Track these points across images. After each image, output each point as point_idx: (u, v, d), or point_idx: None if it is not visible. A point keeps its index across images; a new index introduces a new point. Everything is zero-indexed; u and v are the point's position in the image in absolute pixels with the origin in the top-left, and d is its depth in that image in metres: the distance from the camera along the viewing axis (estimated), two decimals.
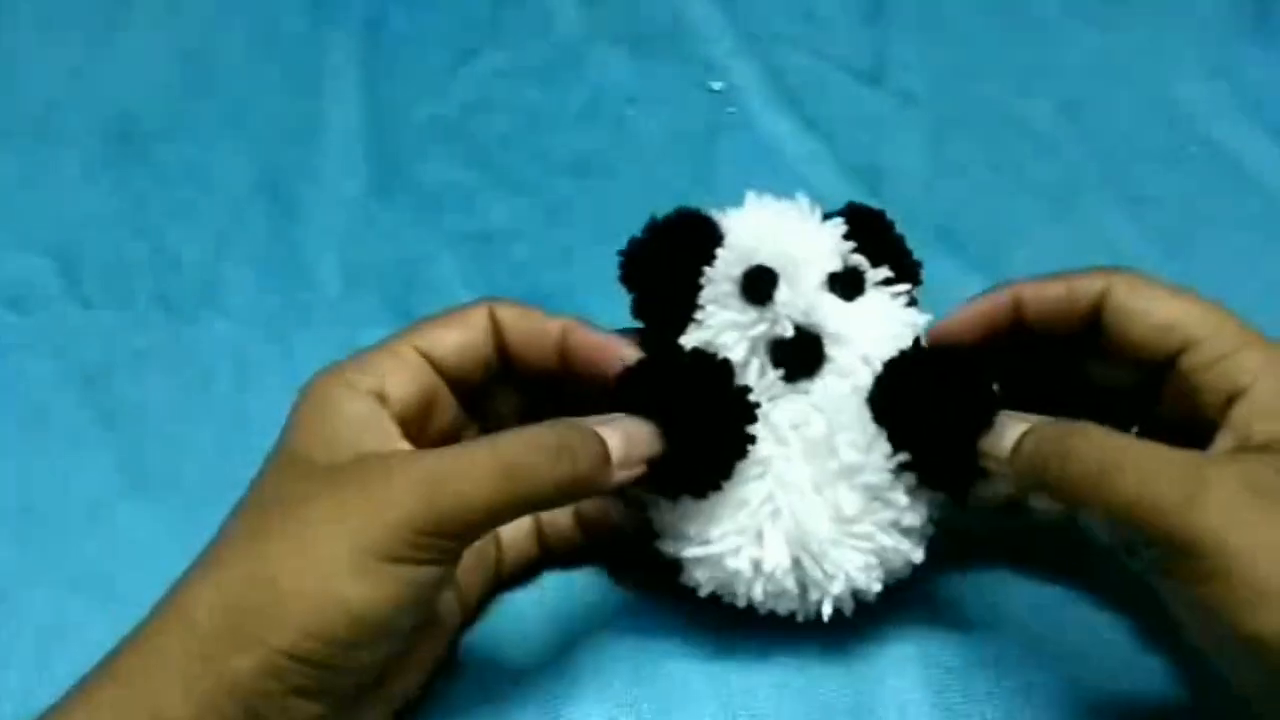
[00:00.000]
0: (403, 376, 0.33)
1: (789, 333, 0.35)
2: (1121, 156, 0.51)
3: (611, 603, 0.39)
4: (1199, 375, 0.32)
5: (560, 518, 0.38)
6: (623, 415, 0.33)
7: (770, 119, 0.53)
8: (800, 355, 0.35)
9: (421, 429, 0.34)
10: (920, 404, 0.34)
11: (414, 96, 0.54)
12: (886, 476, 0.34)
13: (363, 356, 0.34)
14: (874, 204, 0.49)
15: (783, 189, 0.50)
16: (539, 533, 0.38)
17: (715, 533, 0.34)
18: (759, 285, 0.35)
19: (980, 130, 0.52)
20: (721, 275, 0.36)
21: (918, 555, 0.35)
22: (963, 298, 0.46)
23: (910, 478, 0.34)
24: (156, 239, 0.49)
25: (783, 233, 0.36)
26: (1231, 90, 0.53)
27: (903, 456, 0.34)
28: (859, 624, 0.37)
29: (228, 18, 0.57)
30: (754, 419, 0.35)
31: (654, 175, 0.51)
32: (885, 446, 0.34)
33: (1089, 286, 0.34)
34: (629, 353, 0.35)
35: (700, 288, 0.36)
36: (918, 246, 0.46)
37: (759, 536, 0.34)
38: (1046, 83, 0.54)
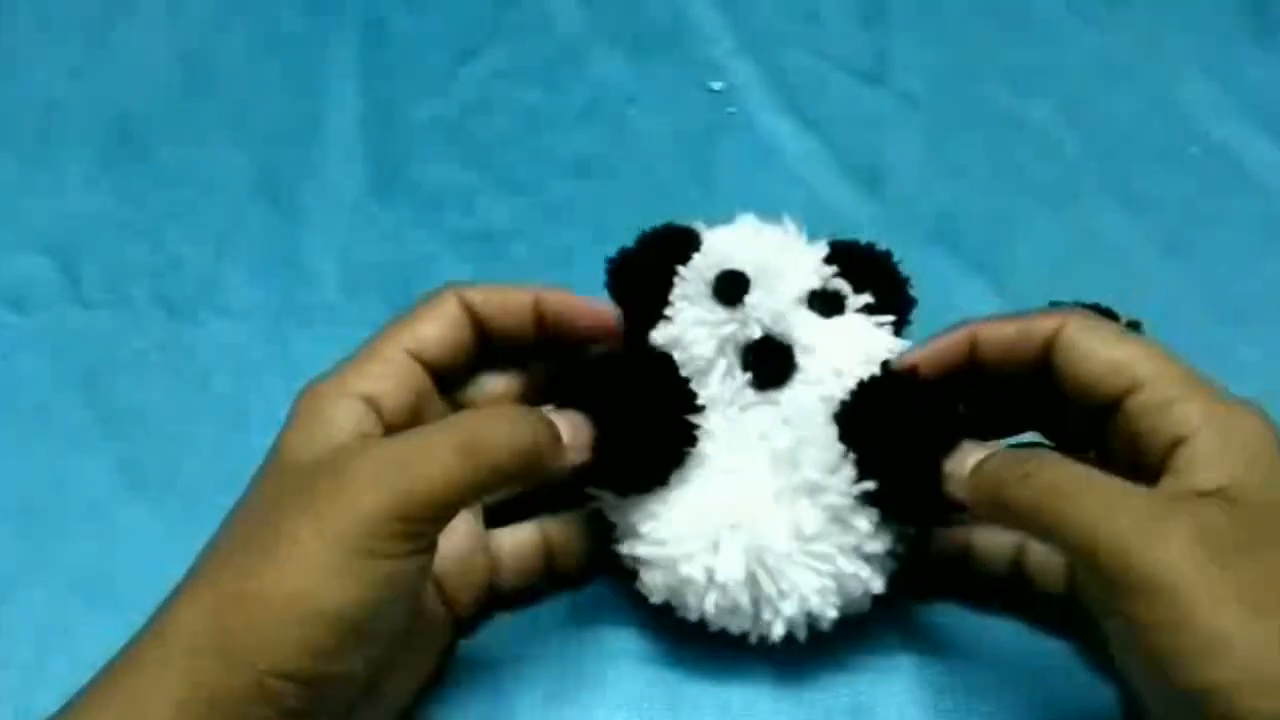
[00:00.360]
0: (394, 381, 0.34)
1: (756, 334, 0.35)
2: (1121, 156, 0.51)
3: (611, 607, 0.39)
4: (1142, 420, 0.31)
5: (569, 539, 0.38)
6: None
7: (770, 119, 0.53)
8: (770, 362, 0.36)
9: None
10: (887, 428, 0.34)
11: (414, 96, 0.54)
12: (850, 500, 0.34)
13: (353, 364, 0.34)
14: (874, 204, 0.50)
15: (783, 189, 0.50)
16: (546, 552, 0.38)
17: (670, 535, 0.34)
18: (730, 287, 0.35)
19: (980, 130, 0.52)
20: (694, 275, 0.36)
21: (877, 584, 0.35)
22: (962, 298, 0.46)
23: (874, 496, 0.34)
24: (156, 239, 0.49)
25: (762, 244, 0.37)
26: (1231, 90, 0.53)
27: (868, 485, 0.34)
28: (858, 627, 0.37)
29: (228, 18, 0.57)
30: (691, 410, 0.35)
31: (654, 175, 0.51)
32: (851, 469, 0.34)
33: (1041, 326, 0.34)
34: (602, 308, 0.36)
35: (673, 288, 0.36)
36: (917, 246, 0.46)
37: (715, 545, 0.34)
38: (1046, 83, 0.54)
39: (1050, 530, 0.30)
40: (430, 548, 0.31)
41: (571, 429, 0.33)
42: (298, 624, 0.29)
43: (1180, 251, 0.48)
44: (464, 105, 0.54)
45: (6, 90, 0.54)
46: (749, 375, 0.36)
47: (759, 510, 0.34)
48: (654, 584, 0.35)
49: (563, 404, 0.34)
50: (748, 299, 0.35)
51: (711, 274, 0.36)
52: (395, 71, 0.55)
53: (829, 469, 0.34)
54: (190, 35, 0.56)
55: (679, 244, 0.37)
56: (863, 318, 0.37)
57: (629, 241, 0.39)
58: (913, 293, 0.43)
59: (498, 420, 0.32)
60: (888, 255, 0.42)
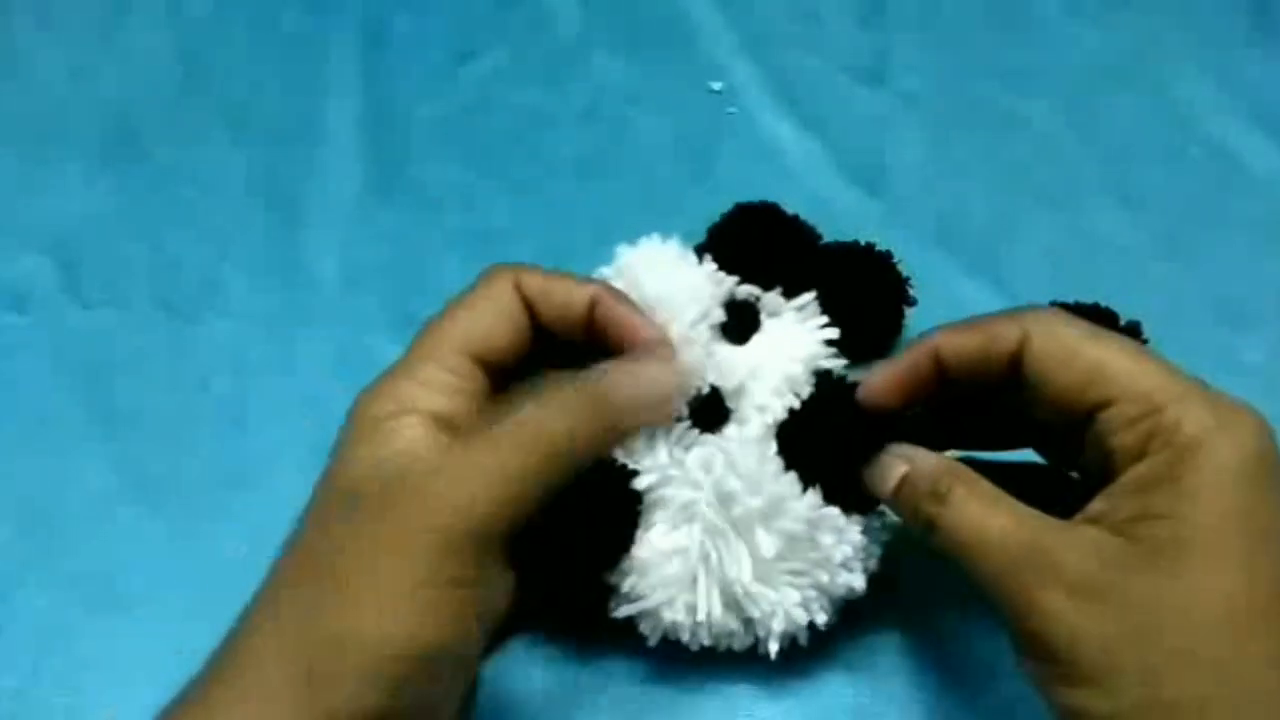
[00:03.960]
0: (460, 395, 0.32)
1: (685, 416, 0.35)
2: (1121, 156, 0.51)
3: None
4: (1112, 437, 0.31)
5: None
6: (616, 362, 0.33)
7: (770, 119, 0.53)
8: (707, 411, 0.36)
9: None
10: (824, 445, 0.34)
11: (414, 96, 0.54)
12: (801, 524, 0.34)
13: (411, 368, 0.32)
14: (874, 204, 0.50)
15: (783, 189, 0.50)
16: None
17: (647, 587, 0.34)
18: None
19: (980, 130, 0.52)
20: None
21: (858, 582, 0.35)
22: (962, 298, 0.46)
23: (833, 515, 0.34)
24: (156, 239, 0.49)
25: (659, 312, 0.35)
26: (1231, 90, 0.53)
27: (831, 510, 0.34)
28: (858, 626, 0.37)
29: (227, 17, 0.57)
30: (634, 503, 0.34)
31: (654, 175, 0.51)
32: (797, 491, 0.34)
33: (1006, 335, 0.32)
34: (651, 335, 0.34)
35: None
36: (917, 246, 0.46)
37: (693, 583, 0.34)
38: (1046, 83, 0.54)
39: (959, 564, 0.31)
40: (508, 564, 0.31)
41: (634, 392, 0.33)
42: (383, 663, 0.28)
43: (1180, 251, 0.48)
44: (464, 105, 0.54)
45: (7, 90, 0.54)
46: (689, 422, 0.36)
47: (721, 542, 0.34)
48: (649, 631, 0.35)
49: None
50: None
51: None
52: (395, 71, 0.55)
53: (769, 497, 0.34)
54: (190, 35, 0.56)
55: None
56: (784, 322, 0.37)
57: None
58: (913, 293, 0.43)
59: (554, 432, 0.31)
60: (888, 255, 0.43)
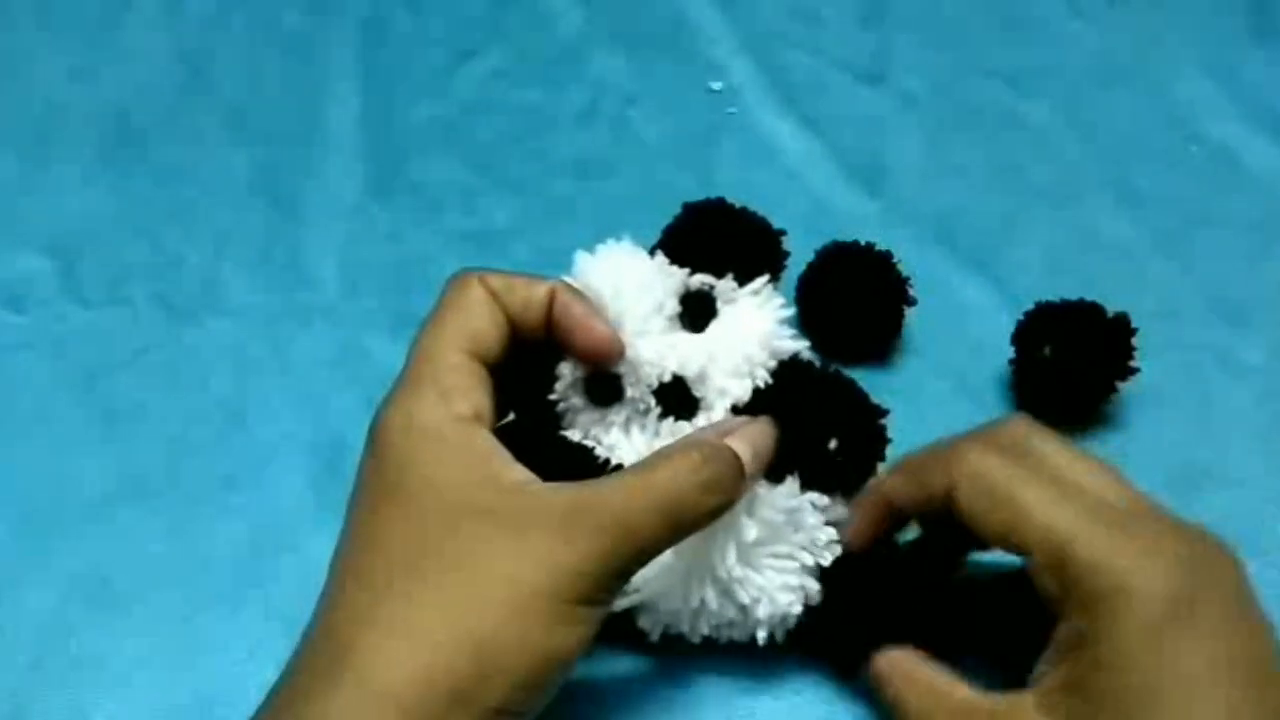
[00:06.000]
0: (481, 391, 0.33)
1: (653, 406, 0.36)
2: (1121, 156, 0.51)
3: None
4: (1040, 585, 0.31)
5: None
6: (745, 420, 0.34)
7: (770, 119, 0.53)
8: (675, 401, 0.36)
9: None
10: (795, 421, 0.34)
11: (414, 96, 0.54)
12: (781, 514, 0.34)
13: (435, 378, 0.32)
14: (873, 203, 0.50)
15: (783, 189, 0.50)
16: None
17: (641, 579, 0.34)
18: (602, 392, 0.35)
19: (980, 130, 0.52)
20: (566, 388, 0.36)
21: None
22: (962, 298, 0.46)
23: (814, 498, 0.34)
24: (156, 239, 0.49)
25: (609, 317, 0.35)
26: (1231, 90, 0.53)
27: (799, 490, 0.34)
28: None
29: (227, 17, 0.57)
30: None
31: (654, 175, 0.51)
32: (780, 484, 0.34)
33: (937, 483, 0.33)
34: (599, 334, 0.34)
35: (556, 403, 0.36)
36: (917, 246, 0.46)
37: (686, 574, 0.34)
38: (1046, 83, 0.54)
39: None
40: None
41: (754, 454, 0.33)
42: (526, 667, 0.29)
43: (1180, 251, 0.48)
44: (464, 105, 0.54)
45: (6, 90, 0.54)
46: (659, 410, 0.36)
47: (708, 531, 0.34)
48: (648, 626, 0.36)
49: None
50: (625, 388, 0.35)
51: (580, 375, 0.35)
52: (395, 71, 0.55)
53: (748, 498, 0.34)
54: (190, 35, 0.56)
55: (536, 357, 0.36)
56: (741, 308, 0.37)
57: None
58: (913, 293, 0.43)
59: (698, 482, 0.31)
60: (888, 255, 0.43)
